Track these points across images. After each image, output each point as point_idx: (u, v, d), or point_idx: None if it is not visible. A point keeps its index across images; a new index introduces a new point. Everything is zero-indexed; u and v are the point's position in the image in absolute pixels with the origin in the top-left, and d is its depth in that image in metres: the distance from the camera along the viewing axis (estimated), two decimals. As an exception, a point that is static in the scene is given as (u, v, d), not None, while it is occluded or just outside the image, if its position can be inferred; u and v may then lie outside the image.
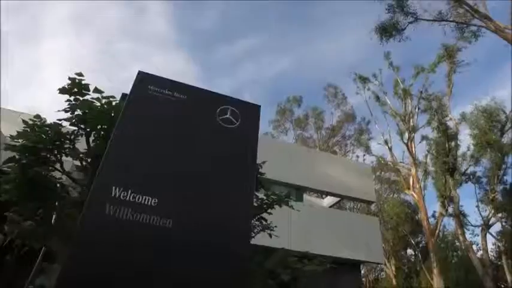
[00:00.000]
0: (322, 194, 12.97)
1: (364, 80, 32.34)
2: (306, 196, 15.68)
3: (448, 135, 20.82)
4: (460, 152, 22.02)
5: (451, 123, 21.65)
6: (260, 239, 6.71)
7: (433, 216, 26.21)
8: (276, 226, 5.91)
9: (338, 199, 13.32)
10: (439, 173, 23.73)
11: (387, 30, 18.56)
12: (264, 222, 5.80)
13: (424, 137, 27.82)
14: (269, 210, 5.21)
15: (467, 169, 22.20)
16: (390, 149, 28.71)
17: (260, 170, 5.51)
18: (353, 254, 10.63)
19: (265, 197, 4.79)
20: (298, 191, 11.46)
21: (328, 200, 14.01)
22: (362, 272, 35.42)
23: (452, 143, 20.86)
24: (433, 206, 40.86)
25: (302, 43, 52.65)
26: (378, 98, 31.00)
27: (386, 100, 30.68)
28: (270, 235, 5.94)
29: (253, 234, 6.02)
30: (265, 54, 54.76)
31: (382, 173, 36.76)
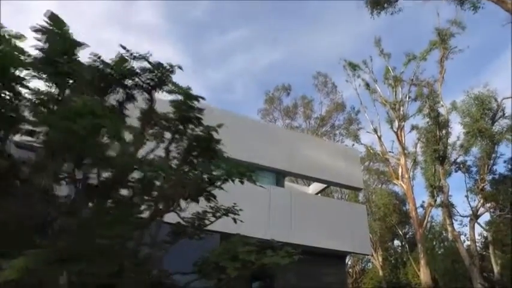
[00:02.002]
0: (305, 179, 12.03)
1: (354, 67, 31.41)
2: (292, 184, 14.78)
3: (439, 123, 20.13)
4: (450, 141, 21.39)
5: (442, 110, 20.96)
6: (230, 226, 5.78)
7: (422, 206, 25.77)
8: (241, 209, 4.89)
9: (324, 186, 12.42)
10: (429, 162, 23.14)
11: (379, 2, 17.50)
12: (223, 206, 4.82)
13: (414, 127, 27.22)
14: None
15: (457, 158, 21.63)
16: (380, 137, 28.01)
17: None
18: (338, 244, 9.77)
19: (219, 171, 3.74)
20: (278, 176, 10.48)
21: (314, 187, 13.10)
22: (349, 263, 35.26)
23: (443, 131, 20.18)
24: (422, 196, 40.81)
25: (294, 35, 51.66)
26: (367, 86, 30.18)
27: (376, 88, 29.92)
28: (235, 220, 4.95)
29: (214, 219, 5.02)
30: (257, 46, 53.58)
31: (371, 163, 36.32)
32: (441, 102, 21.04)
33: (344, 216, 10.39)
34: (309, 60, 52.60)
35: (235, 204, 5.13)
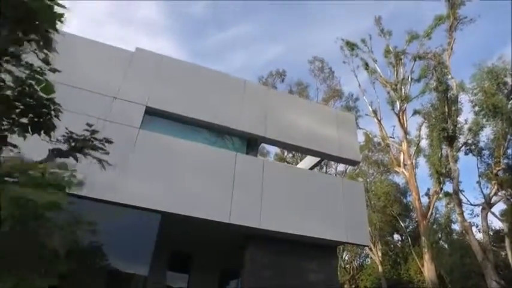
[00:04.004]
0: (283, 148, 9.50)
1: (352, 46, 28.81)
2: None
3: (447, 98, 17.61)
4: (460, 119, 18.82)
5: (451, 85, 18.36)
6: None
7: (427, 194, 23.30)
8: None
9: (316, 161, 9.88)
10: (435, 146, 20.60)
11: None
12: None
13: (416, 111, 24.69)
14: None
15: (467, 140, 19.09)
16: (379, 121, 25.48)
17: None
18: (326, 231, 7.27)
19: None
20: (250, 142, 7.94)
21: (305, 164, 10.57)
22: (346, 258, 32.88)
23: (453, 107, 17.65)
24: (424, 187, 38.27)
25: (294, 30, 49.51)
26: (367, 65, 27.59)
27: (376, 68, 27.35)
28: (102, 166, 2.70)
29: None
30: (257, 42, 51.57)
31: (370, 153, 33.89)
32: (450, 75, 18.45)
33: (335, 195, 7.88)
34: (309, 56, 50.80)
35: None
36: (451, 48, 19.32)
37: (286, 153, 31.28)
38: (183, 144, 6.96)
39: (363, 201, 8.45)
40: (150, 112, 7.19)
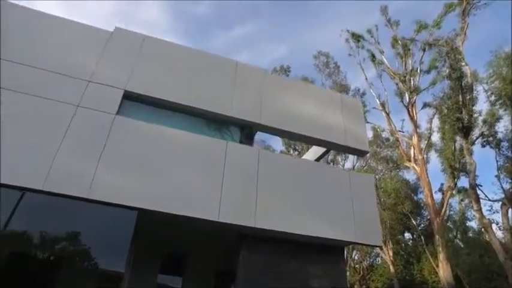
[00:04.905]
0: (284, 136, 8.58)
1: (357, 38, 27.68)
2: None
3: (462, 86, 16.46)
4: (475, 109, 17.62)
5: (464, 70, 17.17)
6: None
7: (441, 190, 22.08)
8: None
9: (321, 151, 8.95)
10: (447, 139, 19.46)
11: None
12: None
13: (427, 104, 23.50)
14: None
15: (483, 132, 17.89)
16: (388, 114, 24.34)
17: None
18: (333, 231, 6.35)
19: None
20: (244, 130, 7.04)
21: (311, 156, 9.65)
22: (355, 257, 31.73)
23: (468, 96, 16.49)
24: (435, 184, 36.84)
25: (298, 30, 48.70)
26: (373, 57, 26.45)
27: (383, 59, 26.21)
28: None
29: None
30: (261, 42, 51.06)
31: (378, 149, 32.71)
32: (464, 62, 17.28)
33: (342, 190, 6.94)
34: (314, 54, 49.97)
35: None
36: (465, 34, 18.15)
37: (292, 152, 30.35)
38: (166, 131, 6.09)
39: (373, 195, 7.49)
40: (129, 97, 6.34)
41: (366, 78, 27.62)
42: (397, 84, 23.41)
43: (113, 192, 5.16)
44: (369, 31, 27.20)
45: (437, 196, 23.33)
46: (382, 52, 26.59)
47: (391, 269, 23.28)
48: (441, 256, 18.67)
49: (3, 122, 5.12)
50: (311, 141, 7.89)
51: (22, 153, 5.01)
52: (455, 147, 18.74)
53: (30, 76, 5.75)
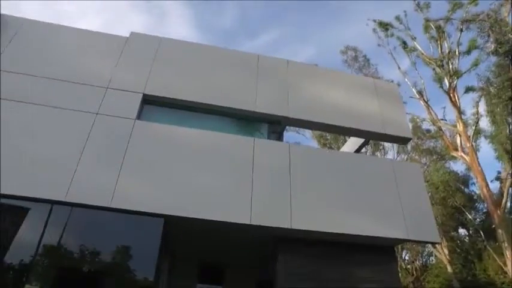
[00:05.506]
0: (315, 128, 7.89)
1: (385, 26, 26.29)
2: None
3: None
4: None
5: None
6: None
7: (498, 179, 19.94)
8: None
9: (360, 142, 8.16)
10: (499, 122, 17.58)
11: None
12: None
13: (470, 88, 21.53)
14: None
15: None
16: (427, 102, 22.65)
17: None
18: (381, 228, 5.60)
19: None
20: (271, 125, 6.53)
21: (349, 148, 8.90)
22: (406, 257, 29.60)
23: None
24: (489, 173, 33.52)
25: (324, 30, 48.15)
26: (405, 44, 24.88)
27: (415, 45, 24.56)
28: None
29: None
30: (287, 46, 51.20)
31: (420, 141, 30.60)
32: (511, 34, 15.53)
33: (387, 182, 6.17)
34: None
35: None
36: (510, 3, 16.34)
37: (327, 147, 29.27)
38: (189, 133, 5.76)
39: (422, 186, 6.61)
40: (149, 100, 6.11)
41: (399, 68, 26.05)
42: (434, 69, 21.75)
43: (136, 199, 4.87)
44: (397, 18, 25.69)
45: (494, 186, 21.15)
46: (414, 38, 24.95)
47: (449, 268, 21.30)
48: (508, 253, 16.69)
49: (25, 135, 5.05)
50: (346, 132, 7.22)
51: (44, 165, 4.88)
52: (509, 130, 16.85)
53: (49, 88, 5.69)
